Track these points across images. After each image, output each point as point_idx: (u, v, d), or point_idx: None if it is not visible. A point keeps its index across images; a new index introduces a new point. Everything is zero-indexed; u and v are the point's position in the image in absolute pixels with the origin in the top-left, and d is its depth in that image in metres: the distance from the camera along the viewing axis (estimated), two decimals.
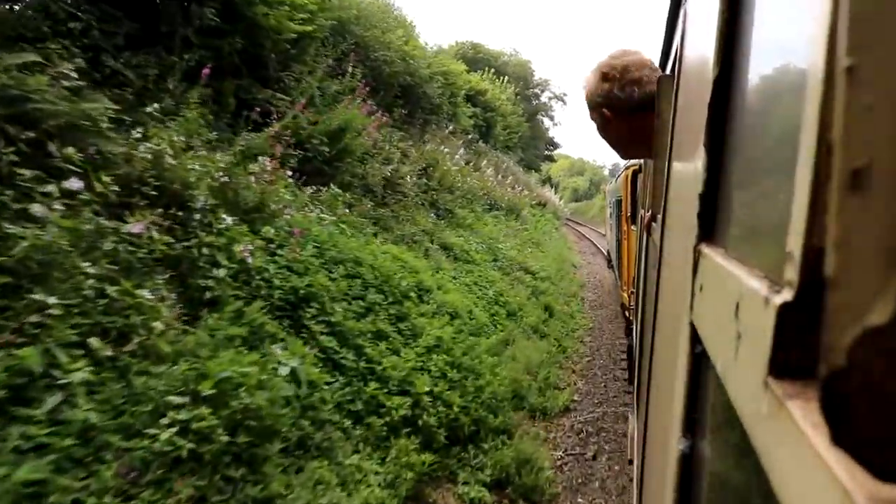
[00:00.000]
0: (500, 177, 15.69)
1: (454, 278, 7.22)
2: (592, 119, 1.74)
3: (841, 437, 0.21)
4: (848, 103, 0.21)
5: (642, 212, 3.64)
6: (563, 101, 44.80)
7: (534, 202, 20.70)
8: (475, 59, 28.01)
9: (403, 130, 10.09)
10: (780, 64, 0.41)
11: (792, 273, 0.26)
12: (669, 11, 1.77)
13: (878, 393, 0.19)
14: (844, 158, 0.21)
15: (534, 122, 39.05)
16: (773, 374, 0.28)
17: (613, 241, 12.61)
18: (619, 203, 10.39)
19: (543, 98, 43.67)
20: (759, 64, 0.48)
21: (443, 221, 8.98)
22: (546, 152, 43.84)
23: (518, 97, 29.85)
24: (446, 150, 11.06)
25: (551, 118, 44.61)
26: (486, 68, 24.71)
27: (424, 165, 9.42)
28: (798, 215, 0.26)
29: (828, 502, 0.20)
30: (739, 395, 0.36)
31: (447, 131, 12.80)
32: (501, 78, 25.74)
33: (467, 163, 13.25)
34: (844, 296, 0.21)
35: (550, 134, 44.97)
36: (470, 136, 15.33)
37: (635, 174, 7.17)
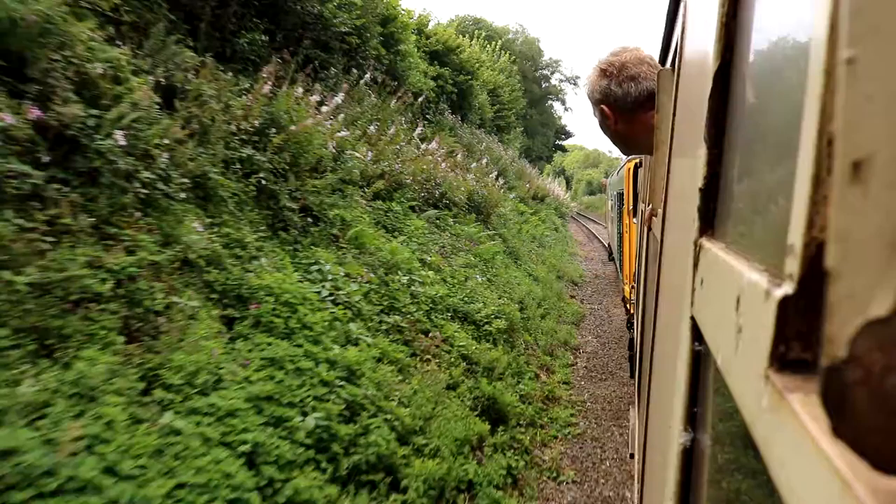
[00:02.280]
0: (458, 157, 11.00)
1: (131, 425, 2.40)
2: (595, 115, 1.76)
3: (841, 429, 0.21)
4: (849, 95, 0.21)
5: (643, 206, 3.65)
6: (575, 83, 41.11)
7: (527, 195, 17.18)
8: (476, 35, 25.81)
9: (252, 67, 5.64)
10: (780, 56, 0.41)
11: (793, 266, 0.26)
12: (669, 5, 1.77)
13: (878, 384, 0.19)
14: (845, 150, 0.21)
15: (543, 106, 36.72)
16: (774, 367, 0.28)
17: (615, 235, 12.63)
18: (620, 196, 10.41)
19: (553, 80, 40.55)
20: (760, 56, 0.48)
21: (284, 235, 4.53)
22: (558, 141, 40.96)
23: (514, 65, 26.44)
24: (313, 98, 5.78)
25: (563, 102, 41.82)
26: (478, 34, 22.30)
27: (260, 124, 4.73)
28: (799, 208, 0.26)
29: (828, 494, 0.20)
30: (740, 388, 0.36)
31: (363, 82, 7.90)
32: (493, 43, 23.10)
33: (422, 139, 9.44)
34: (846, 287, 0.21)
35: (563, 122, 41.86)
36: (420, 100, 10.45)
37: (637, 167, 7.19)
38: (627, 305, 8.03)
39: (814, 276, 0.24)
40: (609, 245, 16.60)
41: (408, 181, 7.35)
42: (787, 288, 0.27)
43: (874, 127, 0.19)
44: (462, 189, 9.25)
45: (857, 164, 0.20)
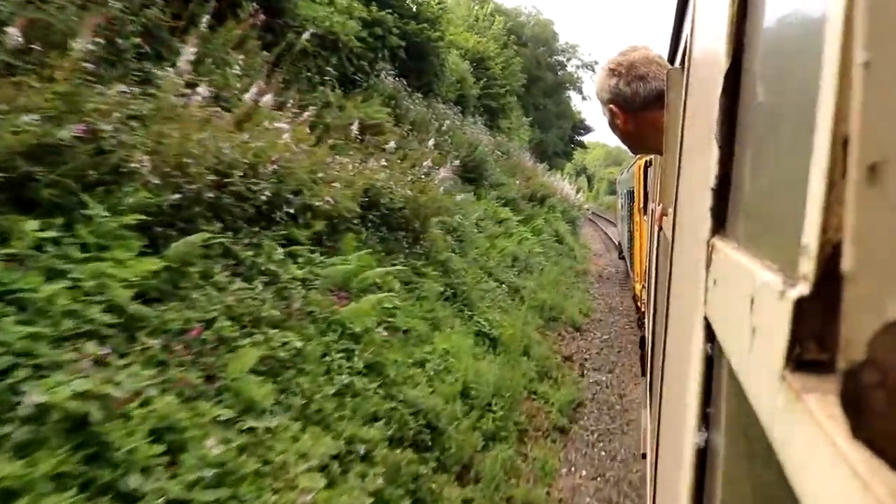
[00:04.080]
0: (360, 134, 6.49)
1: None
2: (604, 114, 1.76)
3: (860, 430, 0.21)
4: (865, 97, 0.21)
5: (653, 204, 3.64)
6: (593, 70, 35.69)
7: (518, 196, 13.24)
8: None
9: None
10: (793, 55, 0.40)
11: (808, 267, 0.26)
12: (678, 4, 1.76)
13: None
14: (861, 152, 0.21)
15: (559, 97, 33.50)
16: (790, 367, 0.28)
17: (625, 233, 12.60)
18: (630, 194, 10.40)
19: (570, 68, 36.21)
20: (772, 55, 0.47)
21: None
22: (577, 137, 37.03)
23: (510, 35, 22.36)
24: None
25: (580, 91, 36.58)
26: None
27: None
28: (813, 209, 0.26)
29: (847, 495, 0.20)
30: (755, 388, 0.36)
31: None
32: (484, 6, 20.09)
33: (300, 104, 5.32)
34: (862, 290, 0.21)
35: (582, 115, 37.69)
36: (304, 38, 5.89)
37: (647, 165, 7.17)
38: (638, 304, 8.04)
39: (829, 277, 0.24)
40: (619, 243, 16.53)
41: (143, 168, 3.01)
42: (803, 288, 0.27)
43: (891, 130, 0.19)
44: (353, 187, 4.92)
45: (873, 166, 0.20)
